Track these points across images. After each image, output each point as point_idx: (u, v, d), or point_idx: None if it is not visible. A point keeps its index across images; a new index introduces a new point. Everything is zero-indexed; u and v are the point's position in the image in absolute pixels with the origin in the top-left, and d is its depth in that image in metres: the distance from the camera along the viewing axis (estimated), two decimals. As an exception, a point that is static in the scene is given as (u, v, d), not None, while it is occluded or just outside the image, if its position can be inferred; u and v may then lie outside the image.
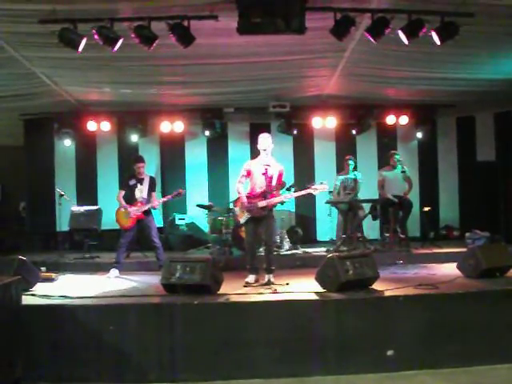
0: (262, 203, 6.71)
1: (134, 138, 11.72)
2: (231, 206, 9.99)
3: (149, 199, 8.26)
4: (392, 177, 9.90)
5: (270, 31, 6.29)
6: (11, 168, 12.83)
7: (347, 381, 5.12)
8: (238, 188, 7.02)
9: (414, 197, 10.60)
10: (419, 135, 12.07)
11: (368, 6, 6.41)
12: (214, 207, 10.25)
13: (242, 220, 6.94)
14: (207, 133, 11.64)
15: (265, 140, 6.94)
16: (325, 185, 6.81)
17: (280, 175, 6.97)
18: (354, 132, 11.91)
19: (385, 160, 10.46)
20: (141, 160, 8.47)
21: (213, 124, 11.55)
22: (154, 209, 8.35)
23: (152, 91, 9.96)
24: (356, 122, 11.78)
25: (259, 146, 6.96)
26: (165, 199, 8.58)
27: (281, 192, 7.25)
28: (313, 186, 6.78)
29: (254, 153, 7.14)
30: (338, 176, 10.24)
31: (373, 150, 12.17)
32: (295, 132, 11.81)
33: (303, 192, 6.86)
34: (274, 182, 6.85)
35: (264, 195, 6.74)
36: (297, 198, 9.89)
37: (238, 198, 7.11)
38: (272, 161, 6.95)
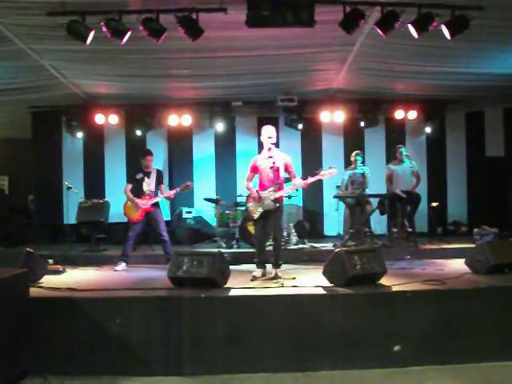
0: (272, 196, 6.71)
1: (142, 131, 11.73)
2: (239, 200, 9.98)
3: (156, 192, 8.28)
4: (400, 171, 9.85)
5: (279, 24, 6.29)
6: (19, 161, 12.90)
7: (354, 376, 5.10)
8: (248, 185, 6.98)
9: (422, 192, 10.55)
10: (428, 130, 12.05)
11: (378, 0, 6.37)
12: (221, 201, 10.24)
13: (256, 215, 6.87)
14: (219, 126, 11.65)
15: (269, 131, 6.86)
16: (334, 169, 6.77)
17: (287, 165, 6.91)
18: (362, 126, 11.88)
19: (392, 154, 10.42)
20: (149, 153, 8.50)
21: (222, 117, 11.59)
22: (169, 199, 8.54)
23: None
24: (364, 116, 11.73)
25: (263, 139, 6.90)
26: (173, 192, 8.58)
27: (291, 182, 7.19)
28: (322, 172, 6.74)
29: (262, 146, 7.10)
30: (346, 171, 10.21)
31: (381, 144, 12.11)
32: (303, 126, 11.79)
33: (312, 179, 6.78)
34: (281, 173, 6.82)
35: (273, 188, 6.73)
36: (304, 192, 9.86)
37: (250, 193, 7.04)
38: (276, 152, 6.92)
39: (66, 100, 10.89)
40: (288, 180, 7.14)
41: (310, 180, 6.79)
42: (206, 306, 5.38)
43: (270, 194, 6.70)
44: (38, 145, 11.91)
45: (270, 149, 6.85)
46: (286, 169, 6.92)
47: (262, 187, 6.85)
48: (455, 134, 12.29)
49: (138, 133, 11.71)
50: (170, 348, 5.24)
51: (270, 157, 6.76)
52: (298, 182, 6.88)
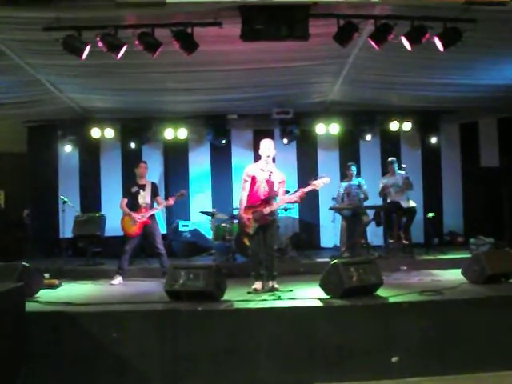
0: (266, 210, 6.70)
1: (138, 144, 11.73)
2: (236, 213, 9.98)
3: (152, 204, 8.28)
4: (393, 183, 9.87)
5: (274, 38, 6.31)
6: (15, 175, 12.86)
7: (351, 388, 5.10)
8: (243, 197, 6.94)
9: (418, 203, 10.58)
10: (423, 141, 12.09)
11: (371, 13, 6.42)
12: (217, 214, 10.24)
13: (251, 230, 6.84)
14: (215, 139, 11.68)
15: (268, 145, 6.90)
16: (326, 178, 6.75)
17: (282, 183, 6.96)
18: (357, 138, 11.90)
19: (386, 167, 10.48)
20: (143, 161, 8.61)
21: (218, 131, 11.62)
22: (169, 206, 8.51)
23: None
24: (359, 128, 11.77)
25: (262, 152, 6.92)
26: (172, 199, 8.53)
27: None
28: (314, 182, 6.72)
29: (258, 159, 7.12)
30: (342, 183, 10.24)
31: (376, 156, 12.13)
32: (299, 138, 11.84)
33: (306, 189, 6.75)
34: (275, 188, 6.82)
35: (267, 201, 6.74)
36: (300, 204, 9.87)
37: (240, 209, 7.01)
38: (274, 168, 6.94)
39: (61, 114, 10.90)
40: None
41: (305, 190, 6.77)
42: (202, 319, 5.38)
43: (262, 211, 6.72)
44: (33, 159, 11.87)
45: (267, 159, 6.87)
46: (280, 186, 6.93)
47: (256, 199, 6.85)
48: (450, 144, 12.33)
49: (134, 146, 11.71)
50: (166, 361, 5.23)
51: (268, 170, 6.80)
52: (291, 196, 6.90)
